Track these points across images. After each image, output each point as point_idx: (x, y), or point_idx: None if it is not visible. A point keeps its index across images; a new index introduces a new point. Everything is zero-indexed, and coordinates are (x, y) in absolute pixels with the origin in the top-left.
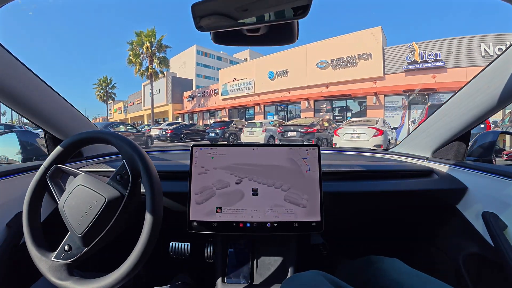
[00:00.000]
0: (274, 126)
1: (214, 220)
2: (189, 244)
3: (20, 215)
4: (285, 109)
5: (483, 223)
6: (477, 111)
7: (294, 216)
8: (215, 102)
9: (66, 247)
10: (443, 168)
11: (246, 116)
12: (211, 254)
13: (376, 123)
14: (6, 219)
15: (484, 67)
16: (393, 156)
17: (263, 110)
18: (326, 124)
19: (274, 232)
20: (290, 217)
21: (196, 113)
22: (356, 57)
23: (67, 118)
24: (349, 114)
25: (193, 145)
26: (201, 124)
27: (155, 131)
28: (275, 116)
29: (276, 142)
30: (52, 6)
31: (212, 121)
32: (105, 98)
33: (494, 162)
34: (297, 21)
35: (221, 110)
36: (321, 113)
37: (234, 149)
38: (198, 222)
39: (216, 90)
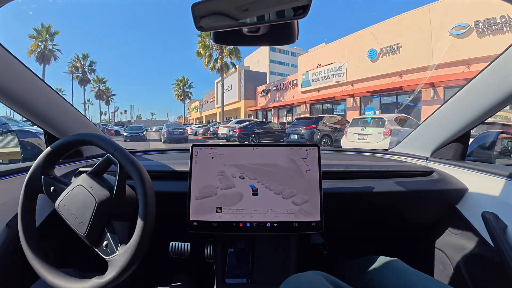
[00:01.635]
0: (399, 124)
1: (214, 220)
2: (189, 244)
3: None
4: (395, 101)
5: (483, 223)
6: (476, 111)
7: (294, 216)
8: (293, 96)
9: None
10: (443, 168)
11: (334, 113)
12: (211, 254)
13: None
14: (6, 219)
15: (484, 67)
16: (393, 156)
17: (358, 104)
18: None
19: (274, 232)
20: (290, 217)
21: (270, 110)
22: None
23: (66, 118)
24: None
25: (193, 145)
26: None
27: (222, 129)
28: (377, 112)
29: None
30: (55, 5)
31: (289, 118)
32: (182, 97)
33: (494, 162)
34: (297, 21)
35: (300, 106)
36: None
37: (234, 149)
38: (198, 222)
39: (295, 81)
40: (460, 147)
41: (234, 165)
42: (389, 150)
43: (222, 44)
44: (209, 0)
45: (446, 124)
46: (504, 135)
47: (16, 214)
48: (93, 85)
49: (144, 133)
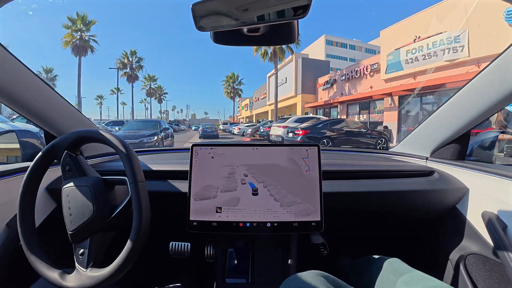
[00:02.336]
0: None
1: (214, 220)
2: (189, 244)
3: None
4: None
5: (483, 223)
6: (476, 111)
7: (294, 216)
8: (371, 87)
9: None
10: (443, 168)
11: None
12: (211, 254)
13: None
14: (6, 219)
15: (484, 67)
16: (393, 156)
17: None
18: None
19: (274, 232)
20: (290, 217)
21: (336, 106)
22: None
23: (64, 116)
24: None
25: (193, 145)
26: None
27: (276, 130)
28: None
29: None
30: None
31: (363, 116)
32: (232, 95)
33: (494, 162)
34: (297, 21)
35: (382, 99)
36: None
37: (234, 148)
38: (198, 222)
39: (375, 66)
40: (460, 147)
41: (235, 165)
42: (389, 150)
43: (222, 44)
44: (209, 0)
45: (446, 124)
46: (504, 136)
47: (16, 215)
48: (144, 83)
49: (156, 137)
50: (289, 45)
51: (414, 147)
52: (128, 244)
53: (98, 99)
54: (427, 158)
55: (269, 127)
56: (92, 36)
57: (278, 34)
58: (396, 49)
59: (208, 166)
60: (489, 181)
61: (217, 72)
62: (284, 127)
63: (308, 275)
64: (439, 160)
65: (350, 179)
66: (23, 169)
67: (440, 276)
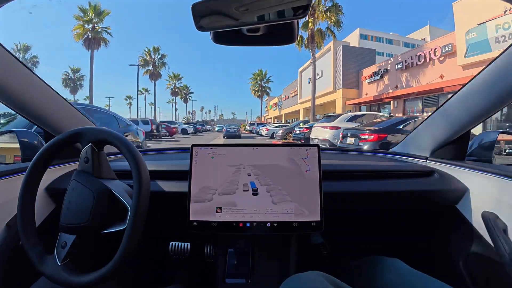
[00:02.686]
0: None
1: (214, 220)
2: (189, 244)
3: None
4: None
5: (483, 223)
6: (476, 111)
7: (294, 216)
8: (441, 77)
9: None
10: (443, 168)
11: None
12: (211, 254)
13: None
14: (6, 219)
15: (484, 67)
16: (393, 156)
17: None
18: None
19: (274, 232)
20: (290, 217)
21: (389, 102)
22: None
23: (66, 116)
24: None
25: (193, 145)
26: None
27: (320, 132)
28: None
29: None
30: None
31: (427, 113)
32: (259, 94)
33: (493, 162)
34: (297, 21)
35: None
36: None
37: (234, 148)
38: (198, 222)
39: (447, 49)
40: (460, 147)
41: (234, 165)
42: (389, 150)
43: (222, 44)
44: (209, 0)
45: (445, 124)
46: (504, 136)
47: (16, 215)
48: (168, 81)
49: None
50: (331, 29)
51: (414, 147)
52: (108, 265)
53: (127, 99)
54: (427, 158)
55: (308, 127)
56: (106, 28)
57: (278, 34)
58: (480, 24)
59: (208, 166)
60: (489, 181)
61: (244, 71)
62: (334, 128)
63: (308, 276)
64: (439, 160)
65: (350, 179)
66: (23, 169)
67: (440, 277)
